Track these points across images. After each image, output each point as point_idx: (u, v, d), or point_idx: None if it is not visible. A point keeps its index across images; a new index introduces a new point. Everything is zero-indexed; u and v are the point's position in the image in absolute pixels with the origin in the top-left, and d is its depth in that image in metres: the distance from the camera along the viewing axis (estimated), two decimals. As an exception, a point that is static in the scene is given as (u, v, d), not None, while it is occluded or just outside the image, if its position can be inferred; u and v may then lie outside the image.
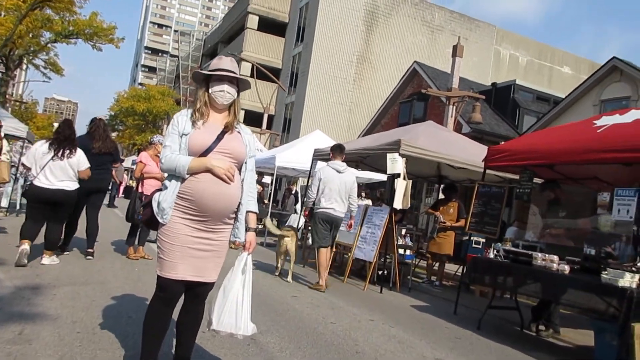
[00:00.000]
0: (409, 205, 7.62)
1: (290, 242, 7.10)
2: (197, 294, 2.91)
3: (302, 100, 29.31)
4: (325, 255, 6.71)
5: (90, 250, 6.67)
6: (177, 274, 2.75)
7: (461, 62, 13.84)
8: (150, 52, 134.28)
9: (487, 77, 29.66)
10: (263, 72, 25.37)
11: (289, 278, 7.05)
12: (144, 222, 2.94)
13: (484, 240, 8.98)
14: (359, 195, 13.28)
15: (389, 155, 7.46)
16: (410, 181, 7.60)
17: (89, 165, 6.07)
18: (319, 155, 10.03)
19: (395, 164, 7.39)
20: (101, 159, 6.68)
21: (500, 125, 20.18)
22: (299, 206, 15.53)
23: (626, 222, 4.66)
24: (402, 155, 7.39)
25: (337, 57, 29.33)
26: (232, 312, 2.78)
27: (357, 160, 10.57)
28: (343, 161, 6.97)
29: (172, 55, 59.04)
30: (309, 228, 10.66)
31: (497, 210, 6.02)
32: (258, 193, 13.37)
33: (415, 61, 23.43)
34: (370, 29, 30.04)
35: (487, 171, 7.82)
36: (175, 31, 67.46)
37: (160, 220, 2.77)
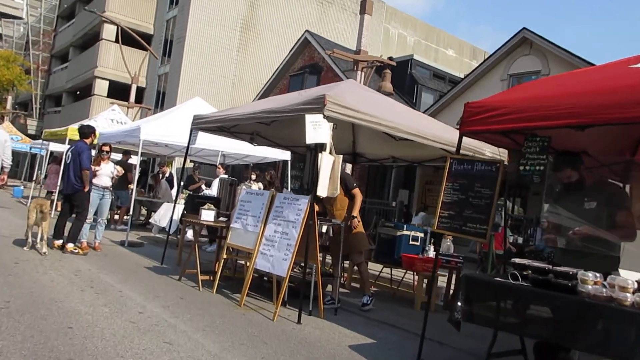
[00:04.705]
0: (337, 192, 5.27)
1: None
2: None
3: (178, 71, 25.65)
4: None
5: None
6: None
7: (370, 21, 11.78)
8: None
9: (376, 54, 28.30)
10: (131, 37, 21.49)
11: (44, 249, 6.89)
12: None
13: (422, 235, 6.99)
14: (249, 178, 10.77)
15: (308, 118, 5.02)
16: (341, 157, 5.25)
17: None
18: (201, 123, 7.30)
19: (319, 129, 4.98)
20: None
21: (399, 101, 18.72)
22: (174, 192, 12.45)
23: None
24: (329, 119, 5.01)
25: (219, 22, 26.03)
26: None
27: (253, 132, 7.98)
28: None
29: (19, 18, 50.39)
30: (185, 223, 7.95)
31: (488, 199, 3.86)
32: (123, 178, 10.17)
33: (307, 30, 21.14)
34: (255, -6, 27.13)
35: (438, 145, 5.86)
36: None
37: None
